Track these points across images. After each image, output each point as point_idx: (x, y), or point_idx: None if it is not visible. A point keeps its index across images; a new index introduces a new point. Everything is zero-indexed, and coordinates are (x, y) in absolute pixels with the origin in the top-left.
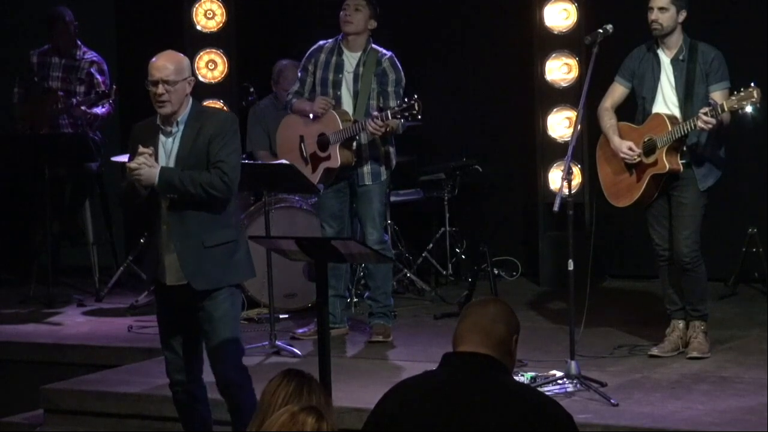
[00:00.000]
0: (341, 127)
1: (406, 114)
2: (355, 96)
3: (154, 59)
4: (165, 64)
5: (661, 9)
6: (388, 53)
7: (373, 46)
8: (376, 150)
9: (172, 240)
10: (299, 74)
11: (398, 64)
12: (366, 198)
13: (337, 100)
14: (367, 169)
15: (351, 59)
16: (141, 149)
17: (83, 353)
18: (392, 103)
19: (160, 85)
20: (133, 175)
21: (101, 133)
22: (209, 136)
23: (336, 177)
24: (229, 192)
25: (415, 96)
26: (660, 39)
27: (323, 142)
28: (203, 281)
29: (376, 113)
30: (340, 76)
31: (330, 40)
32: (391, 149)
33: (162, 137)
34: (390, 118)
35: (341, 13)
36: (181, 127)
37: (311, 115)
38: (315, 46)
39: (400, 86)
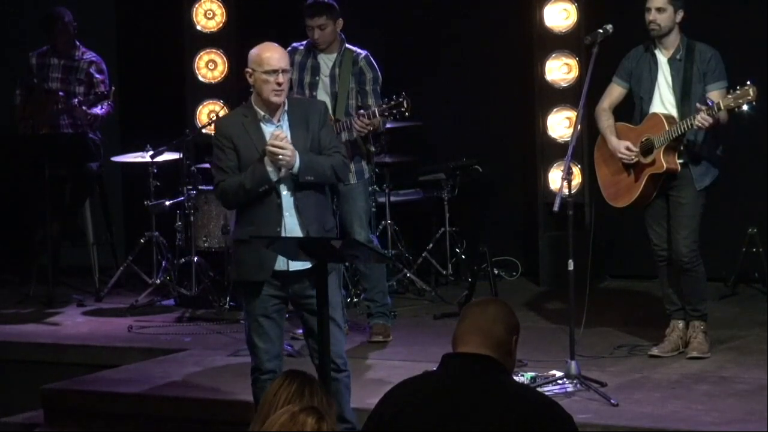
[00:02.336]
0: None
1: (395, 112)
2: (334, 97)
3: (268, 50)
4: (283, 54)
5: (658, 9)
6: (363, 52)
7: (348, 46)
8: (358, 148)
9: (298, 227)
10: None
11: (374, 63)
12: (350, 197)
13: None
14: (350, 167)
15: (327, 61)
16: (276, 133)
17: (83, 353)
18: (370, 101)
19: (281, 74)
20: (278, 160)
21: (101, 133)
22: (316, 123)
23: None
24: (347, 176)
25: (404, 93)
26: (657, 39)
27: None
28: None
29: (362, 111)
30: (317, 78)
31: (303, 43)
32: (372, 147)
33: (265, 127)
34: (377, 116)
35: (308, 33)
36: (285, 118)
37: None
38: (289, 48)
39: (377, 84)
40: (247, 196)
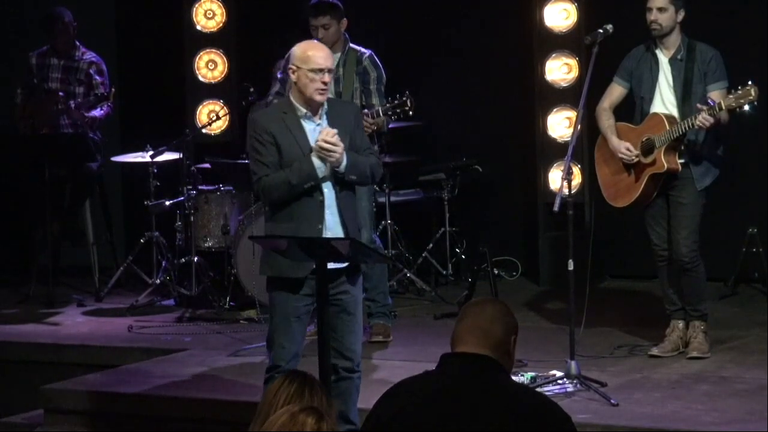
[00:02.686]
0: None
1: (398, 111)
2: (338, 97)
3: (315, 49)
4: (329, 53)
5: (660, 9)
6: (368, 51)
7: (352, 45)
8: None
9: (339, 225)
10: (279, 75)
11: (378, 62)
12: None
13: None
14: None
15: None
16: (328, 130)
17: (83, 353)
18: (374, 101)
19: (326, 74)
20: (329, 156)
21: (101, 133)
22: (352, 125)
23: None
24: (380, 175)
25: (407, 93)
26: (658, 39)
27: None
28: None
29: (366, 111)
30: None
31: (316, 37)
32: (375, 147)
33: (306, 124)
34: (381, 115)
35: (312, 33)
36: (324, 115)
37: None
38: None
39: (381, 83)
40: (291, 192)
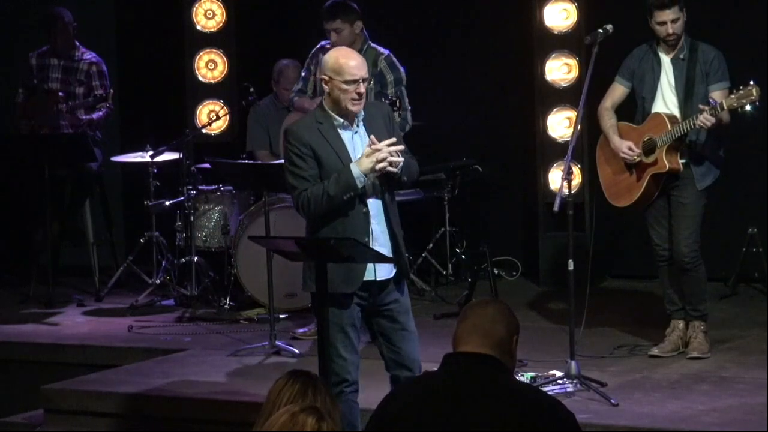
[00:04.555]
0: None
1: (394, 110)
2: None
3: (348, 58)
4: (362, 62)
5: (674, 21)
6: (386, 52)
7: (371, 44)
8: None
9: (386, 235)
10: (303, 73)
11: (396, 63)
12: None
13: None
14: None
15: None
16: (389, 140)
17: (83, 353)
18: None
19: (361, 84)
20: (388, 163)
21: (101, 133)
22: (389, 127)
23: None
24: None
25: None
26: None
27: None
28: (408, 272)
29: None
30: None
31: (329, 41)
32: None
33: (345, 135)
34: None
35: (327, 35)
36: (361, 122)
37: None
38: (318, 46)
39: (400, 85)
40: (330, 204)
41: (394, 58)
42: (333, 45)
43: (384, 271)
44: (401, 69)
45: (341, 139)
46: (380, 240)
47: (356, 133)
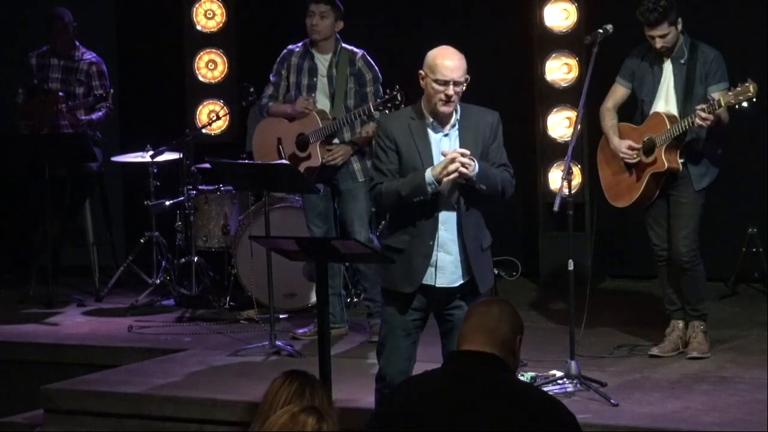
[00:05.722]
0: (320, 126)
1: (389, 105)
2: (332, 97)
3: (444, 57)
4: (459, 64)
5: (662, 36)
6: (360, 51)
7: (344, 45)
8: (359, 147)
9: (454, 243)
10: (272, 78)
11: (372, 61)
12: (351, 196)
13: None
14: (350, 167)
15: (323, 61)
16: (460, 150)
17: (83, 353)
18: (371, 101)
19: (452, 86)
20: (460, 167)
21: (101, 133)
22: (488, 136)
23: (318, 177)
24: (511, 195)
25: (397, 87)
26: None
27: (302, 142)
28: (485, 284)
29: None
30: (315, 79)
31: (299, 45)
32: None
33: (433, 135)
34: (372, 111)
35: (307, 20)
36: (457, 126)
37: (292, 117)
38: (285, 51)
39: (378, 83)
40: (401, 203)
41: (369, 57)
42: (311, 29)
43: (445, 279)
44: (376, 68)
45: (428, 139)
46: (447, 247)
47: (446, 135)
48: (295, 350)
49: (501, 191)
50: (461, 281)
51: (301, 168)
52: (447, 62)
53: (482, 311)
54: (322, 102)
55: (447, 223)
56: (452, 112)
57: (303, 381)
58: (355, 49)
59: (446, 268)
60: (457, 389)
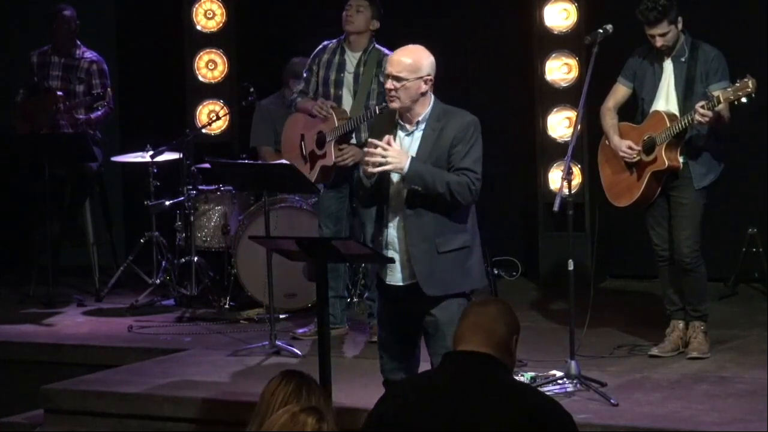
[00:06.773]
0: (336, 125)
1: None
2: (355, 95)
3: (395, 52)
4: (400, 59)
5: (662, 35)
6: (389, 53)
7: (376, 45)
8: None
9: (405, 240)
10: (304, 74)
11: None
12: None
13: (338, 99)
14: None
15: (352, 59)
16: (386, 138)
17: (83, 353)
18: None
19: (390, 80)
20: (374, 160)
21: (101, 133)
22: (451, 138)
23: (337, 177)
24: (473, 201)
25: None
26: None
27: (321, 140)
28: (435, 287)
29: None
30: (342, 75)
31: (334, 41)
32: None
33: (400, 133)
34: (377, 111)
35: (344, 12)
36: (422, 127)
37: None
38: (320, 47)
39: None
40: (359, 196)
41: None
42: (345, 19)
43: (393, 277)
44: None
45: (395, 137)
46: (394, 245)
47: (410, 134)
48: (295, 350)
49: (447, 194)
50: (409, 281)
51: (318, 166)
52: (392, 56)
53: (479, 311)
54: (347, 99)
55: (395, 221)
56: (404, 109)
57: (300, 381)
58: (387, 51)
59: (395, 266)
60: (454, 389)
